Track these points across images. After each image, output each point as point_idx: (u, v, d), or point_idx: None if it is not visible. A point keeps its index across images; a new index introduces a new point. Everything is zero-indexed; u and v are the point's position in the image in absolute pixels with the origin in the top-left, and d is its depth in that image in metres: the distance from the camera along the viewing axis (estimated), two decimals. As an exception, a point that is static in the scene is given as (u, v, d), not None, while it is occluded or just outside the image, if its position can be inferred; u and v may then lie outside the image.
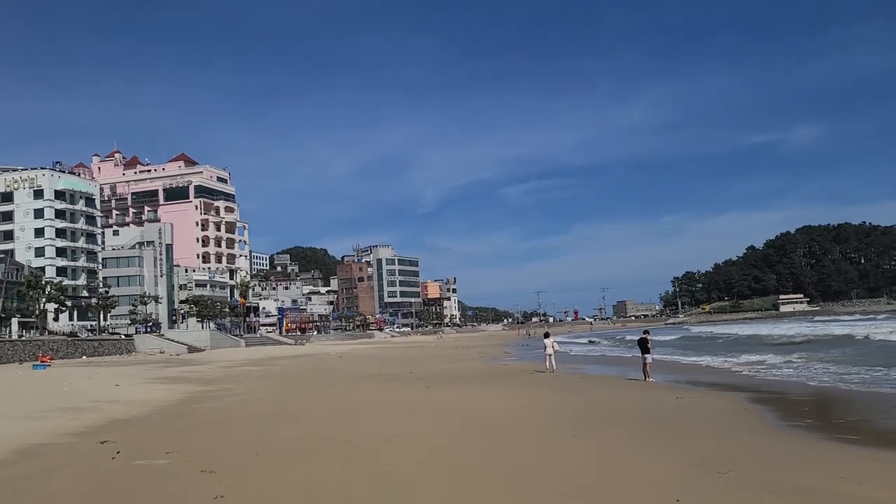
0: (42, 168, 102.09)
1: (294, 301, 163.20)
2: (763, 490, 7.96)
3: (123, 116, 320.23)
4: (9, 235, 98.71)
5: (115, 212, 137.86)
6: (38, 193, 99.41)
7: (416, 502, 7.77)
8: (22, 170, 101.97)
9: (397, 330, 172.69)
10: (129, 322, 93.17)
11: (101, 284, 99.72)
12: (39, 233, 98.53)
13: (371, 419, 15.08)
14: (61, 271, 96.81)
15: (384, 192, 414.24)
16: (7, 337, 62.50)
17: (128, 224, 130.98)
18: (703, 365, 35.33)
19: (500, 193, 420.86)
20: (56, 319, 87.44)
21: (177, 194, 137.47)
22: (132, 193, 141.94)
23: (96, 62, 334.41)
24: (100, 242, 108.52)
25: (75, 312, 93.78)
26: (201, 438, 12.60)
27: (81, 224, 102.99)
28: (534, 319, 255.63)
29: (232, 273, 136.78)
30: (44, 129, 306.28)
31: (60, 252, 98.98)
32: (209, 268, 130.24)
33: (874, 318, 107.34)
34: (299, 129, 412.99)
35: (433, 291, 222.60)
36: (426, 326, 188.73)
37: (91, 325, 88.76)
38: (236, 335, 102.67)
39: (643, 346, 25.63)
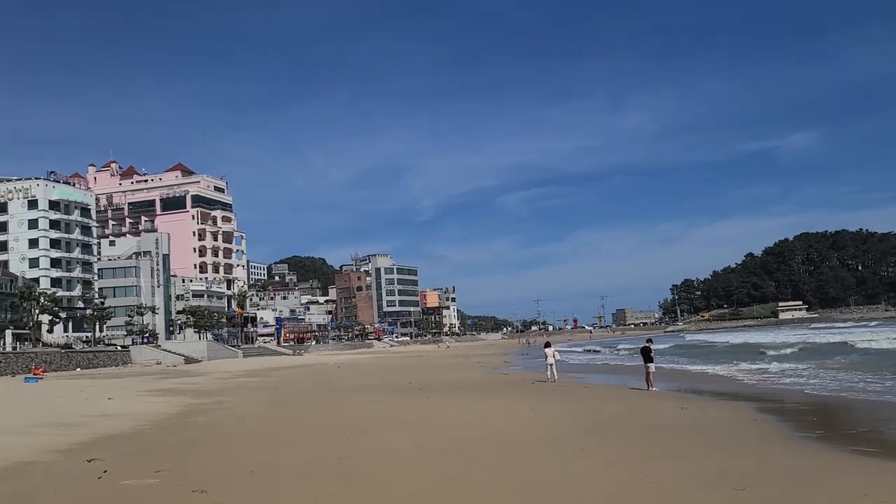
0: (36, 178, 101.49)
1: (292, 311, 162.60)
2: (785, 509, 7.55)
3: (119, 126, 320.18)
4: (2, 246, 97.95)
5: (111, 222, 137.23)
6: (33, 203, 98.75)
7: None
8: (16, 180, 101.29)
9: (396, 339, 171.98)
10: (126, 333, 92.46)
11: (96, 295, 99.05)
12: (34, 244, 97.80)
13: (370, 433, 14.62)
14: (56, 282, 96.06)
15: (382, 200, 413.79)
16: (1, 349, 61.80)
17: (124, 234, 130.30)
18: (701, 373, 35.18)
19: (498, 201, 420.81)
20: (51, 331, 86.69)
21: (174, 204, 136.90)
22: (129, 203, 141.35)
23: (92, 72, 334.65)
24: (95, 253, 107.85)
25: (70, 324, 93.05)
26: (194, 455, 12.13)
27: (77, 234, 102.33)
28: (533, 328, 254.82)
29: (229, 283, 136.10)
30: (39, 139, 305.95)
31: (55, 263, 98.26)
32: (206, 278, 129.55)
33: (867, 325, 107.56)
34: (297, 138, 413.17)
35: (432, 300, 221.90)
36: (425, 336, 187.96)
37: (87, 337, 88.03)
38: (234, 346, 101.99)
39: (646, 354, 25.26)
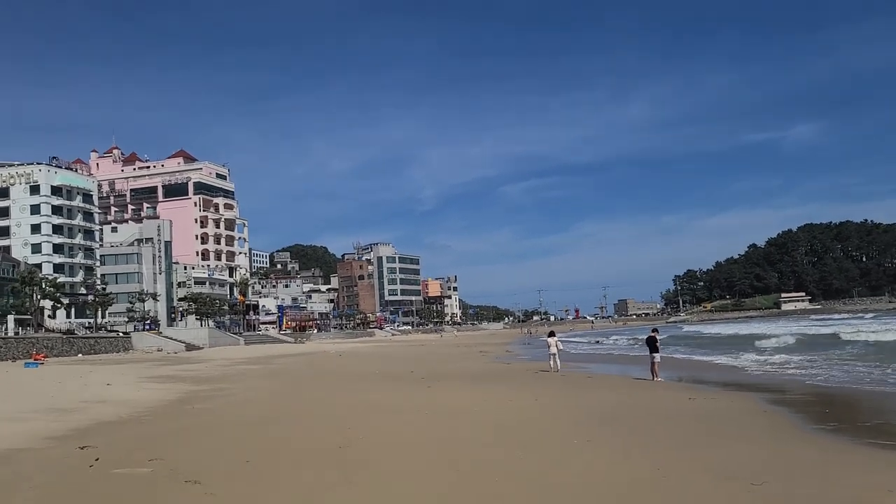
0: (38, 163, 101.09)
1: (294, 299, 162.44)
2: (806, 505, 7.18)
3: (122, 113, 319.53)
4: (4, 231, 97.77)
5: (113, 208, 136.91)
6: (35, 189, 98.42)
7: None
8: (18, 165, 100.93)
9: (398, 328, 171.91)
10: (127, 319, 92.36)
11: (98, 281, 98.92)
12: (36, 229, 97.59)
13: (371, 422, 14.28)
14: (58, 268, 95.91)
15: (384, 190, 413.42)
16: (2, 334, 61.66)
17: (126, 221, 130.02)
18: (702, 362, 35.10)
19: (500, 191, 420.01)
20: (53, 317, 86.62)
21: (176, 191, 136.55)
22: (131, 190, 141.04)
23: (95, 58, 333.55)
24: (97, 239, 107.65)
25: (73, 310, 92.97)
26: (190, 443, 11.80)
27: (79, 220, 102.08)
28: (535, 318, 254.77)
29: (231, 271, 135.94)
30: (41, 125, 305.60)
31: (57, 249, 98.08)
32: (208, 265, 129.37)
33: (862, 316, 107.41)
34: (299, 127, 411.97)
35: (434, 290, 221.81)
36: (427, 325, 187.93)
37: (89, 323, 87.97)
38: (235, 333, 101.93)
39: (651, 344, 24.91)
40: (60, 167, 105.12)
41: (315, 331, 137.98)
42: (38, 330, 71.27)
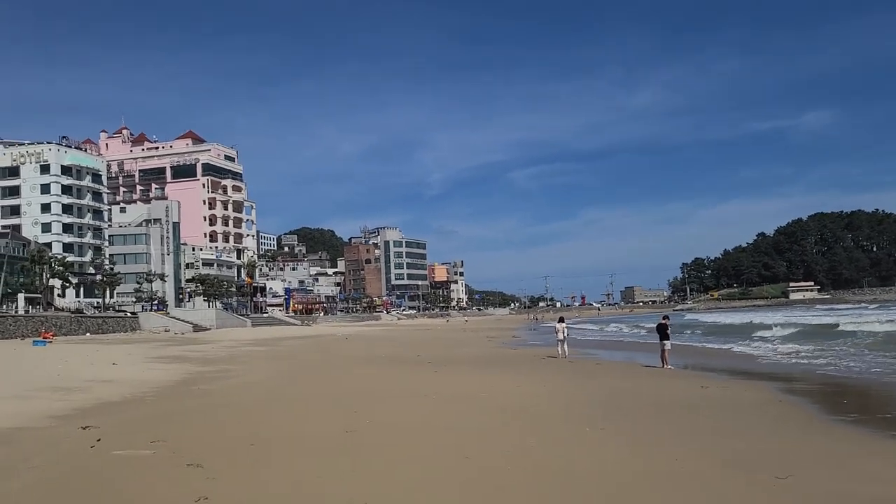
0: (49, 143, 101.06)
1: (301, 282, 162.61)
2: (835, 501, 6.84)
3: (131, 94, 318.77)
4: (15, 210, 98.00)
5: (122, 189, 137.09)
6: (45, 168, 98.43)
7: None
8: (29, 144, 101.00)
9: (404, 312, 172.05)
10: (135, 300, 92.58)
11: (107, 261, 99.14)
12: (46, 208, 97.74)
13: (378, 406, 14.02)
14: (68, 247, 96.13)
15: (392, 174, 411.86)
16: (13, 312, 61.86)
17: (135, 201, 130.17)
18: (710, 349, 34.87)
19: (507, 177, 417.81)
20: (62, 296, 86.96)
21: (184, 172, 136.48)
22: (139, 171, 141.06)
23: (105, 39, 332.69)
24: (106, 219, 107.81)
25: (82, 289, 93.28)
26: (193, 425, 11.56)
27: (88, 200, 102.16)
28: (541, 304, 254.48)
29: (239, 252, 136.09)
30: (51, 105, 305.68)
31: (67, 228, 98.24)
32: (216, 247, 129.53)
33: (866, 307, 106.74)
34: (307, 110, 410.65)
35: (440, 274, 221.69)
36: (433, 309, 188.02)
37: (97, 303, 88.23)
38: (242, 315, 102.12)
39: (662, 331, 24.57)
40: (70, 147, 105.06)
41: (321, 314, 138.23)
42: (47, 309, 71.50)
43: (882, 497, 7.02)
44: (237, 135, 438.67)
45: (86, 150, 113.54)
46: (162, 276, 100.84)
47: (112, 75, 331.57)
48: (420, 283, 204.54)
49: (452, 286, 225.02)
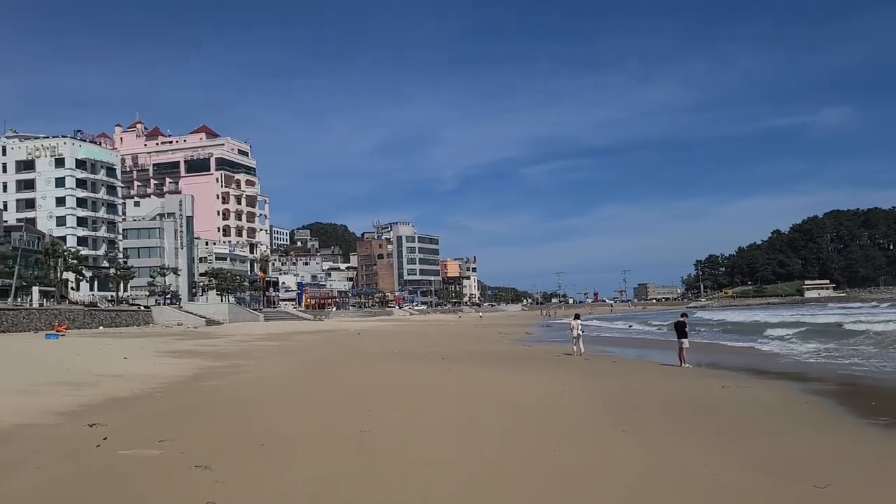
0: (63, 136, 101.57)
1: (314, 277, 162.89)
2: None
3: (145, 88, 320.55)
4: (31, 204, 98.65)
5: (136, 183, 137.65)
6: (60, 162, 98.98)
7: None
8: (44, 137, 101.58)
9: (416, 308, 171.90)
10: (149, 293, 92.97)
11: (120, 255, 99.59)
12: (60, 202, 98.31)
13: (392, 404, 13.68)
14: (82, 241, 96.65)
15: (405, 169, 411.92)
16: (27, 305, 62.17)
17: (149, 195, 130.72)
18: (727, 346, 34.38)
19: (521, 173, 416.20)
20: (76, 289, 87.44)
21: (198, 166, 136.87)
22: (153, 165, 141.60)
23: (119, 32, 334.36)
24: (120, 213, 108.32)
25: (96, 282, 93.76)
26: (202, 423, 11.26)
27: (102, 194, 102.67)
28: (553, 300, 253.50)
29: (252, 247, 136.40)
30: (67, 99, 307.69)
31: (81, 222, 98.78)
32: (229, 241, 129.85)
33: (877, 305, 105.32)
34: (320, 105, 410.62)
35: (453, 270, 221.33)
36: (445, 305, 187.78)
37: (111, 296, 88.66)
38: (255, 309, 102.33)
39: (680, 329, 24.10)
40: (85, 141, 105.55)
41: (334, 308, 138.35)
42: (61, 302, 71.85)
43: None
44: (250, 129, 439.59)
45: (100, 144, 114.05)
46: (175, 270, 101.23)
47: (127, 70, 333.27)
48: (432, 278, 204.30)
49: (465, 282, 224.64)
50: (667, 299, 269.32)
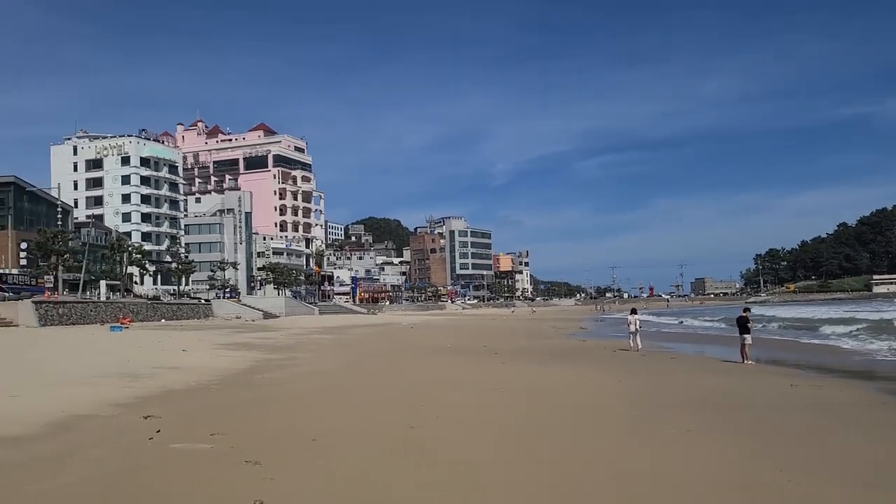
0: (129, 135, 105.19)
1: (367, 271, 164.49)
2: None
3: (206, 87, 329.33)
4: (99, 201, 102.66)
5: (197, 180, 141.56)
6: (125, 160, 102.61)
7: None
8: (111, 137, 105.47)
9: (468, 302, 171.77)
10: (209, 287, 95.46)
11: (182, 250, 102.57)
12: (126, 199, 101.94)
13: (445, 400, 13.42)
14: (146, 237, 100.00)
15: (457, 164, 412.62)
16: (94, 298, 64.49)
17: (209, 192, 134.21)
18: (792, 342, 33.10)
19: (574, 167, 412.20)
20: (140, 283, 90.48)
21: (256, 163, 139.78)
22: (214, 162, 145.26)
23: (181, 33, 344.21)
24: (182, 209, 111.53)
25: (159, 276, 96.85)
26: (255, 417, 11.22)
27: (165, 191, 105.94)
28: (608, 295, 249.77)
29: (308, 242, 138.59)
30: (132, 99, 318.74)
31: (145, 218, 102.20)
32: (286, 236, 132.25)
33: None
34: (374, 101, 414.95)
35: (505, 264, 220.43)
36: (497, 299, 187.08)
37: (173, 290, 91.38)
38: (310, 303, 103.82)
39: (742, 324, 23.19)
40: (149, 139, 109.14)
41: (387, 302, 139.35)
42: (126, 295, 74.34)
43: None
44: (306, 125, 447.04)
45: (163, 143, 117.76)
46: (234, 265, 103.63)
47: (188, 69, 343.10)
48: (485, 272, 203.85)
49: (517, 276, 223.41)
50: (725, 294, 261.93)
